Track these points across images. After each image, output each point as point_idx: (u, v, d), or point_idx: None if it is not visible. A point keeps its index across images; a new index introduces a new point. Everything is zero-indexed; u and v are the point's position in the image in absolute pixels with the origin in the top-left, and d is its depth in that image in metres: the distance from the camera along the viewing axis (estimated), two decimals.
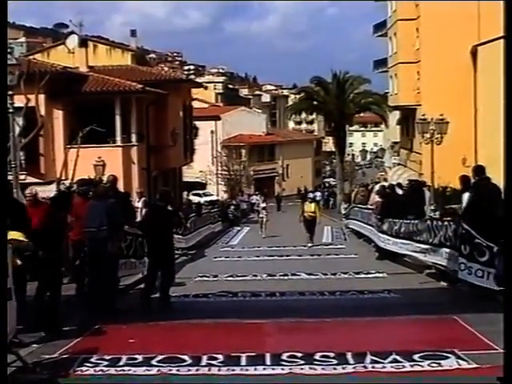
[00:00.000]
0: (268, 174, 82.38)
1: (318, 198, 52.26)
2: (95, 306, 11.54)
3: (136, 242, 14.42)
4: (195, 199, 54.74)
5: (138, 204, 20.12)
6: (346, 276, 17.33)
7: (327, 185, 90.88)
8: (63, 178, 27.16)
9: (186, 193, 50.29)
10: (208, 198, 63.24)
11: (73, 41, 37.42)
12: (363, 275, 17.28)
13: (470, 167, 33.85)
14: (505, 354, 5.63)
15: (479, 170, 13.26)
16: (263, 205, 36.79)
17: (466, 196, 13.75)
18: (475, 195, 13.14)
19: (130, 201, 17.14)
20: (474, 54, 42.39)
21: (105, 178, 18.10)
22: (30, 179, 26.80)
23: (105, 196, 12.46)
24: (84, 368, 8.22)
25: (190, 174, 57.55)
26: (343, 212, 37.73)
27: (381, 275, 17.15)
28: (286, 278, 17.35)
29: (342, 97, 60.31)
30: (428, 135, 31.75)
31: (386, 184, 23.63)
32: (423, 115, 33.80)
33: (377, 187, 23.40)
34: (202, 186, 73.68)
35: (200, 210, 35.98)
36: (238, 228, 40.30)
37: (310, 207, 27.29)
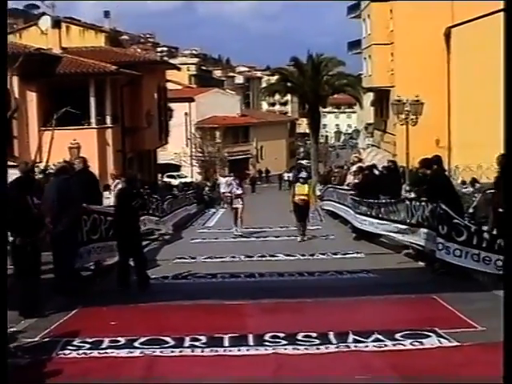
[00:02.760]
0: (242, 155, 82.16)
1: (290, 179, 52.10)
2: (56, 288, 11.45)
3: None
4: (169, 181, 54.63)
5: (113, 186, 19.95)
6: (324, 257, 17.35)
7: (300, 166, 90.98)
8: (38, 160, 26.83)
9: (160, 175, 50.05)
10: (182, 180, 63.09)
11: (45, 22, 36.94)
12: (341, 256, 17.33)
13: (443, 148, 34.01)
14: (504, 354, 5.69)
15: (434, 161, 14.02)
16: (239, 191, 25.44)
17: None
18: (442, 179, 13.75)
19: (97, 182, 16.84)
20: (447, 35, 42.47)
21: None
22: None
23: (59, 173, 12.40)
24: (67, 351, 8.21)
25: (164, 155, 57.27)
26: (318, 193, 37.64)
27: (358, 255, 17.21)
28: (264, 259, 17.34)
29: (316, 78, 60.39)
30: (403, 116, 31.87)
31: (362, 165, 23.55)
32: (398, 96, 33.88)
33: (353, 168, 23.38)
34: (177, 167, 73.46)
35: (183, 192, 35.82)
36: (214, 210, 40.16)
37: (302, 189, 21.94)
